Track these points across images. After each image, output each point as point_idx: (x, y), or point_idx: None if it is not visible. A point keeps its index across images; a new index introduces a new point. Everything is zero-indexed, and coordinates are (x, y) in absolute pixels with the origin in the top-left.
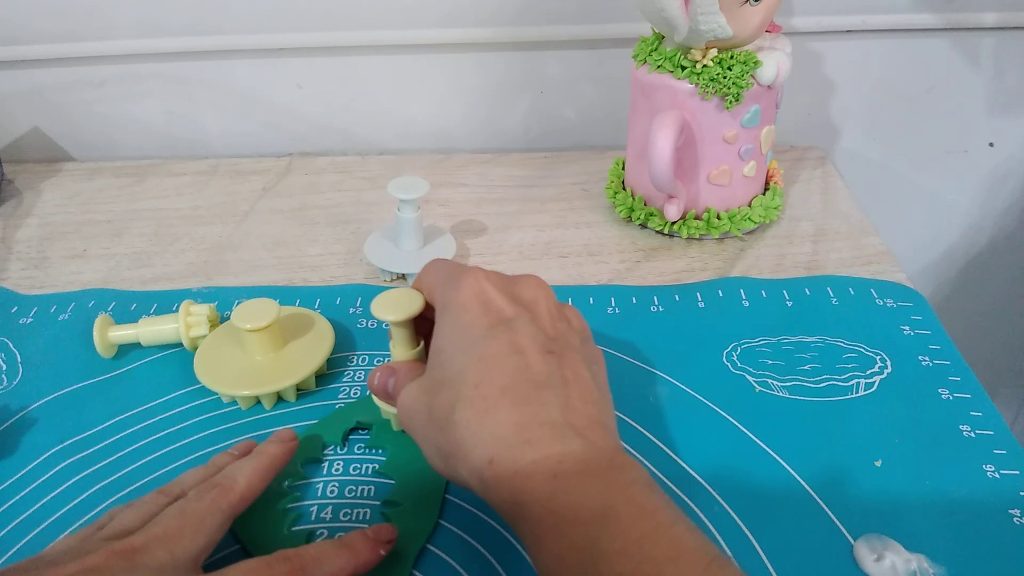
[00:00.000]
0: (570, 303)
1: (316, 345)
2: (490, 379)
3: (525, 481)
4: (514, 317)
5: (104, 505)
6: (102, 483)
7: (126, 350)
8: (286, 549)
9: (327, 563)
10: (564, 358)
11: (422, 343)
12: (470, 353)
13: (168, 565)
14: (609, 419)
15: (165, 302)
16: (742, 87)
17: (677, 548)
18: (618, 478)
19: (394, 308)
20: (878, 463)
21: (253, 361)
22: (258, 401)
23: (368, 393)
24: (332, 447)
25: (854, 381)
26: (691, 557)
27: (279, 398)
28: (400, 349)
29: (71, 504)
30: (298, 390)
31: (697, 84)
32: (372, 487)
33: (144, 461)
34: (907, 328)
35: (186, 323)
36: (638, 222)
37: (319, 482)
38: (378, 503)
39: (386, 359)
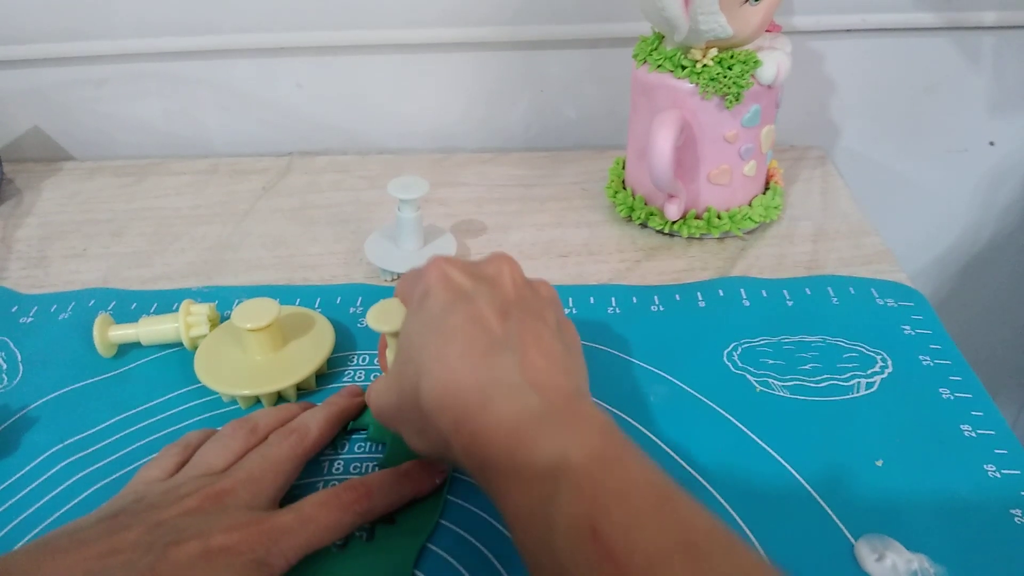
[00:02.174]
0: (571, 303)
1: (316, 345)
2: (450, 349)
3: (488, 441)
4: (474, 290)
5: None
6: (102, 483)
7: (126, 350)
8: (353, 478)
9: (390, 491)
10: (524, 320)
11: None
12: (431, 328)
13: (252, 504)
14: (574, 374)
15: (165, 302)
16: (742, 87)
17: (628, 484)
18: (577, 428)
19: (387, 318)
20: (879, 463)
21: (253, 361)
22: (258, 401)
23: None
24: (331, 448)
25: (855, 381)
26: (641, 493)
27: (279, 398)
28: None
29: (71, 504)
30: (298, 390)
31: (697, 84)
32: None
33: (144, 461)
34: (908, 328)
35: (186, 323)
36: (638, 222)
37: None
38: None
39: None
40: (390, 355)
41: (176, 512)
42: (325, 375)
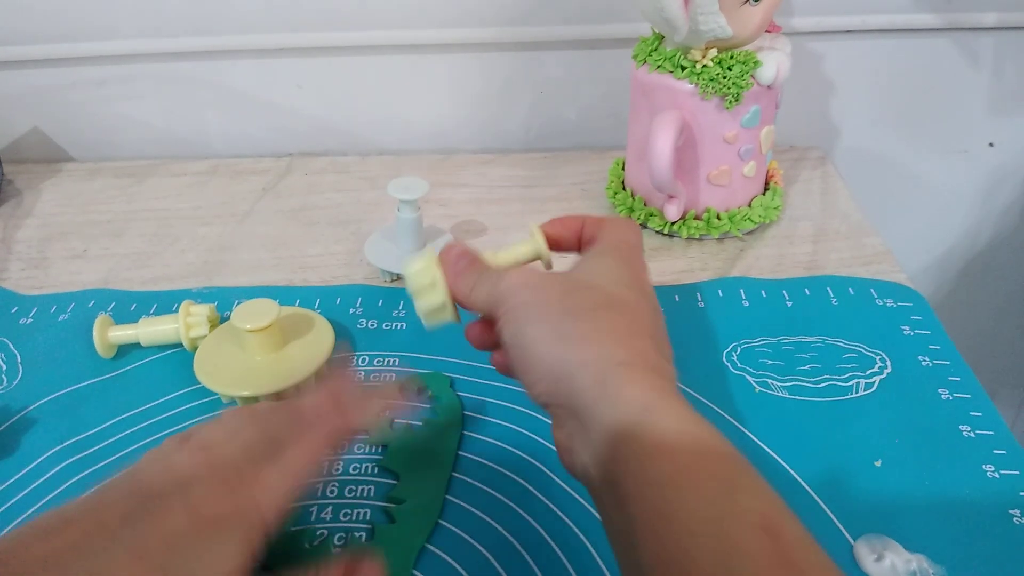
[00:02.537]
0: None
1: (316, 346)
2: (632, 321)
3: (638, 392)
4: (647, 282)
5: None
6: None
7: (126, 350)
8: (324, 405)
9: (358, 407)
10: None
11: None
12: (623, 288)
13: (240, 463)
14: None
15: (165, 302)
16: (742, 87)
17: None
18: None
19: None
20: (878, 463)
21: (253, 362)
22: (258, 402)
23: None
24: None
25: (854, 381)
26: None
27: (279, 399)
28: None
29: None
30: (298, 391)
31: (697, 84)
32: (372, 487)
33: None
34: (907, 328)
35: (186, 323)
36: (638, 222)
37: (319, 482)
38: (379, 503)
39: (386, 359)
40: (501, 253)
41: (163, 481)
42: (325, 376)
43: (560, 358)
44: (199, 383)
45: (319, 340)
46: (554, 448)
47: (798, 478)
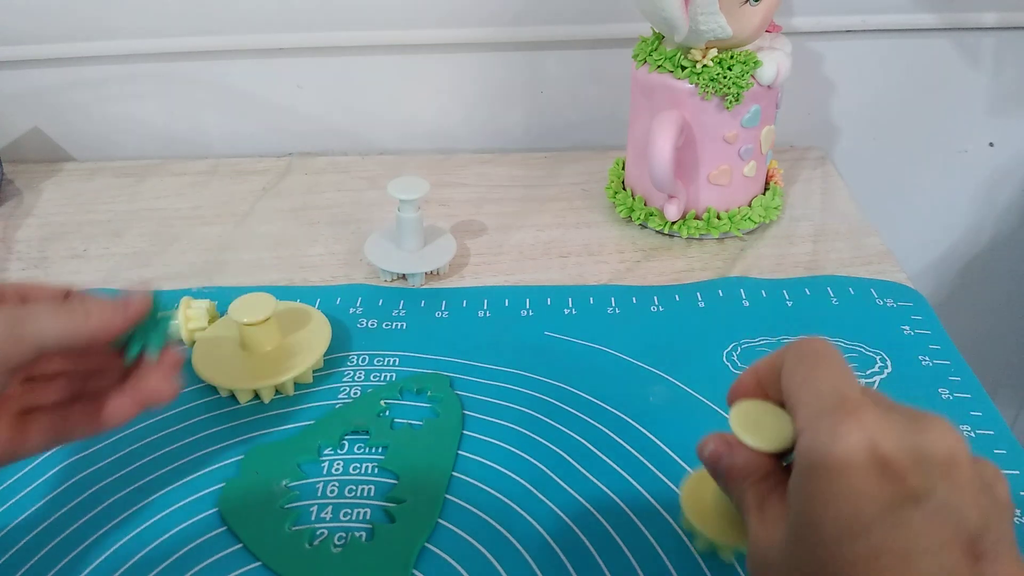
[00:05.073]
0: (571, 303)
1: (313, 340)
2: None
3: None
4: (925, 493)
5: (103, 505)
6: (102, 483)
7: None
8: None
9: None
10: (997, 563)
11: (792, 436)
12: (862, 543)
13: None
14: None
15: (165, 302)
16: (742, 87)
17: None
18: None
19: (762, 434)
20: None
21: (250, 356)
22: (255, 395)
23: (368, 393)
24: (330, 448)
25: None
26: None
27: (276, 393)
28: (753, 436)
29: (71, 504)
30: (295, 384)
31: (697, 84)
32: (372, 486)
33: (143, 460)
34: (907, 328)
35: (186, 316)
36: (638, 222)
37: (319, 482)
38: (378, 502)
39: (386, 359)
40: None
41: None
42: (324, 374)
43: None
44: (197, 377)
45: (316, 335)
46: (554, 447)
47: None
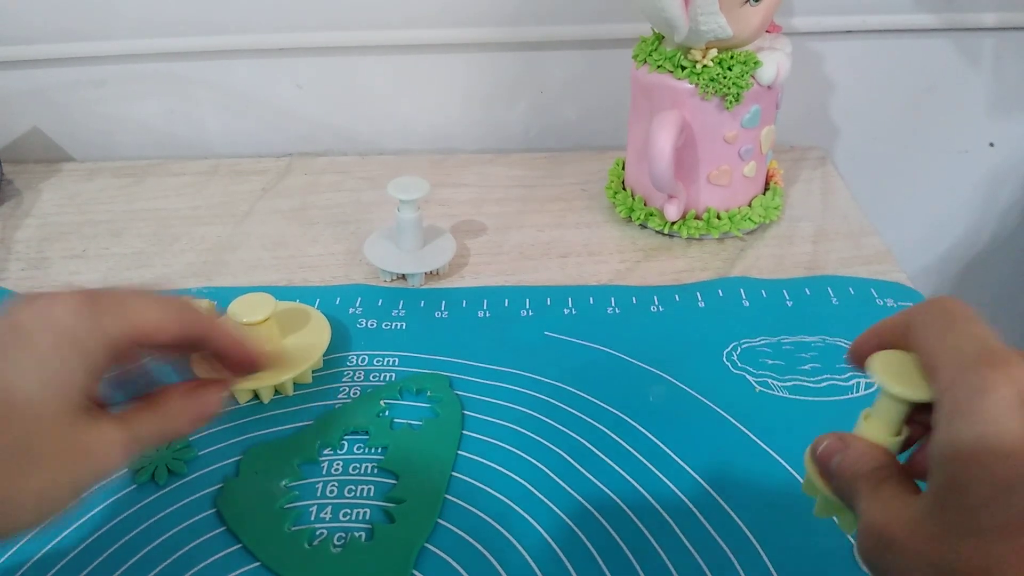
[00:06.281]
0: (570, 303)
1: (313, 340)
2: None
3: None
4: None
5: (103, 504)
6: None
7: None
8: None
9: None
10: None
11: (906, 433)
12: (1016, 505)
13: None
14: None
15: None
16: (742, 87)
17: None
18: None
19: (910, 383)
20: None
21: None
22: (255, 395)
23: (367, 393)
24: (329, 449)
25: (855, 381)
26: None
27: (276, 393)
28: (875, 427)
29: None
30: (295, 385)
31: (697, 84)
32: (372, 486)
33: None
34: None
35: None
36: (638, 222)
37: (318, 482)
38: (379, 503)
39: (386, 359)
40: (870, 423)
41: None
42: (323, 374)
43: None
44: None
45: (316, 335)
46: (554, 447)
47: (799, 478)
